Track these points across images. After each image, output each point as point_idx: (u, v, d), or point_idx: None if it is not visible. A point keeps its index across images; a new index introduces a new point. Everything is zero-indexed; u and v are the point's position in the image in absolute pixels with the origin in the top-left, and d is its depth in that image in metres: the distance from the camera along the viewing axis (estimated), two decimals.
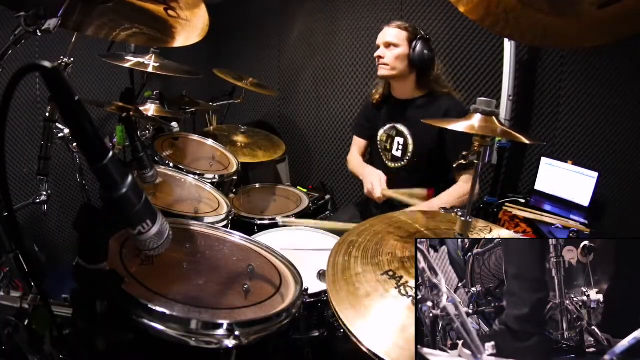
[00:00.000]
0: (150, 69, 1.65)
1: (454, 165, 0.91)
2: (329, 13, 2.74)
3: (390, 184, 1.75)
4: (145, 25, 1.10)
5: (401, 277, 0.83)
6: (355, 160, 1.92)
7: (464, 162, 0.87)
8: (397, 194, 1.51)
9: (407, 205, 1.50)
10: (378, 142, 1.82)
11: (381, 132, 1.79)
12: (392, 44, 1.61)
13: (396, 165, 1.74)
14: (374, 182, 1.58)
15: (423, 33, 1.62)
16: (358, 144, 1.94)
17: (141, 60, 1.68)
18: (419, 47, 1.58)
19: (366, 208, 1.88)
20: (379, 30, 1.68)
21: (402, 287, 0.80)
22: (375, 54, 1.65)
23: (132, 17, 1.07)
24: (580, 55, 1.96)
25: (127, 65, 1.67)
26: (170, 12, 1.06)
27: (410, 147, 1.68)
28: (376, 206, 1.76)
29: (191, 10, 1.07)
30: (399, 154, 1.73)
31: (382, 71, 1.65)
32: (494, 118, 0.87)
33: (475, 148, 0.86)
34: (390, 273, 0.84)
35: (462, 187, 1.59)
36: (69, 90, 0.51)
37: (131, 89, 1.97)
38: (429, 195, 1.52)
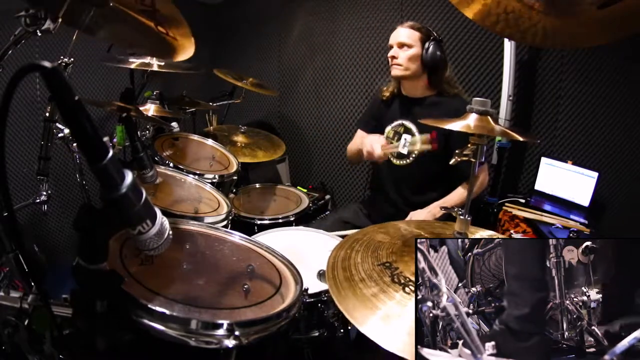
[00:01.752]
0: (153, 68, 1.65)
1: (450, 163, 0.91)
2: (329, 13, 2.74)
3: (395, 182, 1.76)
4: (146, 40, 1.09)
5: (397, 268, 0.86)
6: (353, 145, 1.92)
7: (458, 159, 0.88)
8: (398, 147, 1.50)
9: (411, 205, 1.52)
10: (385, 139, 1.81)
11: (388, 128, 1.79)
12: (406, 44, 1.62)
13: (401, 162, 1.74)
14: (373, 142, 1.58)
15: (436, 34, 1.64)
16: (361, 136, 1.93)
17: (141, 60, 1.68)
18: (431, 48, 1.60)
19: (372, 205, 1.88)
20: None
21: (396, 276, 0.83)
22: (389, 54, 1.67)
23: (135, 36, 1.07)
24: (580, 55, 1.96)
25: (127, 65, 1.67)
26: (160, 28, 1.06)
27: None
28: (385, 200, 1.78)
29: (174, 29, 1.07)
30: (405, 151, 1.73)
31: (396, 71, 1.66)
32: (489, 117, 0.88)
33: (470, 146, 0.86)
34: (387, 264, 0.88)
35: (464, 189, 1.60)
36: (69, 90, 0.51)
37: (131, 89, 1.97)
38: (432, 137, 1.51)
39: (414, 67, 1.63)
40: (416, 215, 1.61)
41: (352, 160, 1.96)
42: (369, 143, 1.60)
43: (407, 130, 1.72)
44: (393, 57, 1.65)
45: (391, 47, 1.67)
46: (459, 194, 1.62)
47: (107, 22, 1.00)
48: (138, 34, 1.07)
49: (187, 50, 1.11)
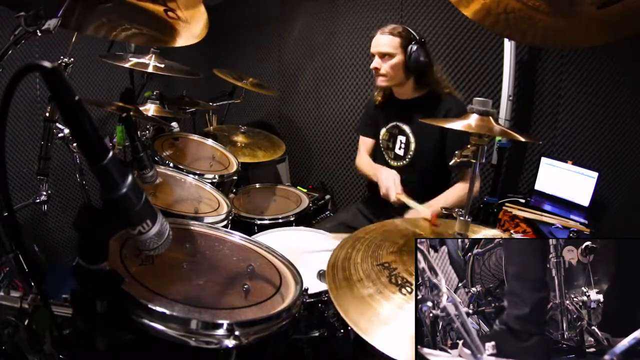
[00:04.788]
0: (150, 69, 1.65)
1: (450, 164, 0.91)
2: (329, 13, 2.74)
3: None
4: (145, 25, 1.10)
5: (395, 269, 0.87)
6: (365, 161, 1.90)
7: (458, 160, 0.88)
8: (409, 201, 1.47)
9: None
10: (380, 141, 1.82)
11: (383, 130, 1.79)
12: (387, 54, 1.59)
13: (398, 163, 1.74)
14: (389, 186, 1.56)
15: (417, 36, 1.59)
16: (365, 143, 1.93)
17: (141, 60, 1.68)
18: (414, 53, 1.56)
19: (371, 206, 1.88)
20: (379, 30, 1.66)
21: (393, 277, 0.84)
22: (372, 66, 1.65)
23: (132, 17, 1.07)
24: (580, 55, 1.96)
25: (127, 65, 1.67)
26: (170, 14, 1.06)
27: (413, 146, 1.69)
28: (383, 201, 1.77)
29: (190, 10, 1.07)
30: (401, 152, 1.73)
31: (381, 82, 1.66)
32: (490, 118, 0.88)
33: (471, 147, 0.86)
34: (386, 264, 0.89)
35: (462, 187, 1.60)
36: (69, 90, 0.51)
37: (131, 89, 1.97)
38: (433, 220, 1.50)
39: (398, 75, 1.61)
40: (409, 216, 1.60)
41: (363, 176, 1.95)
42: (385, 186, 1.57)
43: (402, 132, 1.72)
44: (376, 69, 1.63)
45: (373, 55, 1.64)
46: (451, 194, 1.61)
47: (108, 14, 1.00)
48: (141, 23, 1.07)
49: (198, 32, 1.11)
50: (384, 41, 1.60)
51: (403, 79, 1.63)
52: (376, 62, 1.63)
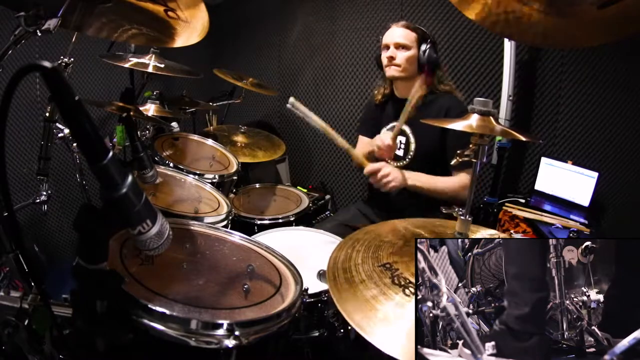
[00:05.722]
0: (150, 69, 1.65)
1: (452, 163, 0.91)
2: (329, 13, 2.74)
3: None
4: (145, 25, 1.10)
5: (397, 269, 0.86)
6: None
7: (460, 160, 0.88)
8: (400, 121, 1.53)
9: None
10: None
11: (384, 130, 1.78)
12: (403, 46, 1.62)
13: (398, 164, 1.74)
14: (381, 136, 1.59)
15: (429, 35, 1.65)
16: (363, 143, 1.93)
17: (141, 60, 1.68)
18: (428, 51, 1.60)
19: (371, 206, 1.88)
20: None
21: (396, 278, 0.83)
22: (387, 54, 1.65)
23: (132, 18, 1.07)
24: (580, 55, 1.96)
25: (127, 65, 1.67)
26: (170, 14, 1.06)
27: (413, 146, 1.69)
28: (384, 201, 1.78)
29: (190, 10, 1.07)
30: (401, 152, 1.73)
31: (393, 72, 1.66)
32: (490, 118, 0.88)
33: (472, 146, 0.86)
34: (387, 265, 0.88)
35: (453, 181, 1.60)
36: (69, 90, 0.51)
37: (131, 89, 1.97)
38: (423, 80, 1.54)
39: (411, 68, 1.64)
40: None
41: (360, 166, 1.96)
42: (378, 138, 1.61)
43: (401, 132, 1.72)
44: (391, 58, 1.64)
45: (386, 46, 1.66)
46: (442, 182, 1.60)
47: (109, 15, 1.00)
48: (141, 23, 1.07)
49: (198, 32, 1.10)
50: (401, 33, 1.63)
51: (414, 73, 1.65)
52: (392, 52, 1.64)
